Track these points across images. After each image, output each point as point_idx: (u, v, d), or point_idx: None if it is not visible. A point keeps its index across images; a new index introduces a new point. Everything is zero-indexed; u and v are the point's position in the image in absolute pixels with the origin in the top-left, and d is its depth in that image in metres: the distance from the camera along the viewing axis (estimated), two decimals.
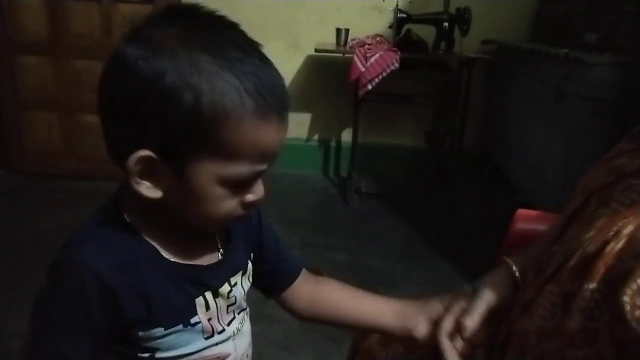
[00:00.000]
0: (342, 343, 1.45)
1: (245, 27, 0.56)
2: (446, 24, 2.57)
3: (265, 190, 0.56)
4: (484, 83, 2.91)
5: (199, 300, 0.59)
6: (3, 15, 2.70)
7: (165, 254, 0.57)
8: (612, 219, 0.59)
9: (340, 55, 2.67)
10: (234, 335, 0.65)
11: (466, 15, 2.48)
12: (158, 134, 0.49)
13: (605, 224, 0.59)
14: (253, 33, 0.57)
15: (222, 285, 0.62)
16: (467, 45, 2.60)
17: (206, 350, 0.61)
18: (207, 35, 0.50)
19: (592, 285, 0.56)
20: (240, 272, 0.66)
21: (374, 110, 2.90)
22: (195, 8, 0.52)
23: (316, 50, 2.63)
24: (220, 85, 0.48)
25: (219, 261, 0.63)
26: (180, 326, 0.58)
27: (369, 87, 2.44)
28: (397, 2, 2.59)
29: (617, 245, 0.57)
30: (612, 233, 0.58)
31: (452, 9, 2.56)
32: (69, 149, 2.86)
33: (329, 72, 2.95)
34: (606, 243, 0.57)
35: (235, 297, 0.64)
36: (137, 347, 0.57)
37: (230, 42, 0.51)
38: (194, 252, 0.60)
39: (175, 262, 0.58)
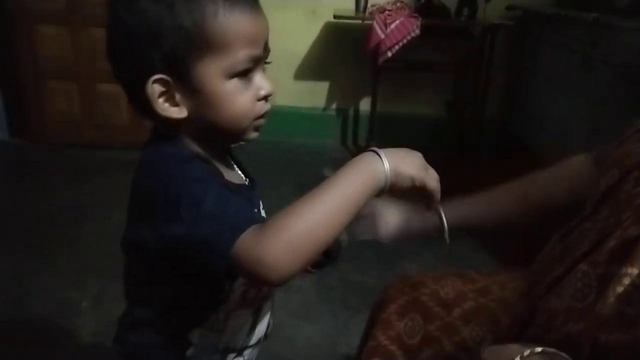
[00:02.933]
0: (359, 313, 1.46)
1: None
2: None
3: (272, 87, 0.62)
4: (508, 51, 2.82)
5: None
6: None
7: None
8: None
9: (360, 21, 2.61)
10: None
11: None
12: (158, 58, 0.57)
13: None
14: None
15: (259, 209, 0.70)
16: (491, 11, 2.52)
17: None
18: None
19: (633, 270, 0.54)
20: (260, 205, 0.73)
21: (393, 78, 2.84)
22: None
23: (335, 17, 2.57)
24: None
25: (250, 185, 0.72)
26: None
27: (389, 54, 2.39)
28: None
29: None
30: None
31: None
32: (88, 118, 2.88)
33: (348, 40, 2.89)
34: None
35: None
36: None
37: None
38: (230, 173, 0.68)
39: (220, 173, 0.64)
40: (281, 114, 2.92)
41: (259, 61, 0.61)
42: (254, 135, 0.65)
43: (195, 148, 0.63)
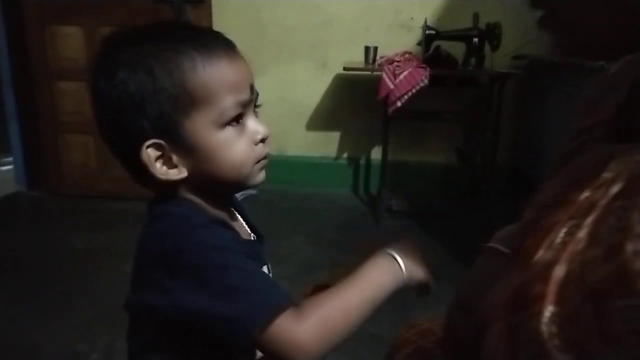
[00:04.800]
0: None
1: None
2: (476, 39, 2.54)
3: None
4: (516, 98, 2.85)
5: (265, 270, 0.67)
6: (44, 44, 2.81)
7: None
8: None
9: (369, 73, 2.67)
10: None
11: (496, 31, 2.45)
12: (147, 123, 0.56)
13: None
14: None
15: (268, 266, 0.69)
16: (498, 60, 2.56)
17: None
18: (142, 35, 0.59)
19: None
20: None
21: (403, 127, 2.88)
22: (128, 28, 0.60)
23: (345, 69, 2.63)
24: (166, 56, 0.56)
25: (257, 240, 0.71)
26: None
27: (399, 104, 2.42)
28: (426, 19, 2.59)
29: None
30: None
31: (481, 25, 2.53)
32: (104, 171, 2.93)
33: (358, 91, 2.95)
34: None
35: None
36: None
37: (162, 29, 0.60)
38: (236, 227, 0.67)
39: (236, 231, 0.64)
40: (293, 164, 2.95)
41: (248, 105, 0.61)
42: (259, 178, 0.64)
43: (206, 206, 0.62)
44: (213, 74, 0.57)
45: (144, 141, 0.57)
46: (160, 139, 0.57)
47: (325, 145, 3.11)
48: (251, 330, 0.52)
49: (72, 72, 2.83)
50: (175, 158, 0.58)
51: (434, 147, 3.04)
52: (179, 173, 0.59)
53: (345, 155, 3.15)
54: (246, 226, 0.71)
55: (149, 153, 0.57)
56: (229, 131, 0.59)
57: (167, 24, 0.63)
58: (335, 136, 3.12)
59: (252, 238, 0.70)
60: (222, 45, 0.59)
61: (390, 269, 0.63)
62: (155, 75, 0.56)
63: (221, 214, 0.65)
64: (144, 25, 0.60)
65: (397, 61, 2.53)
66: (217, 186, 0.61)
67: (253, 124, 0.61)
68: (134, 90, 0.56)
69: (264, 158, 0.63)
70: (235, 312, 0.52)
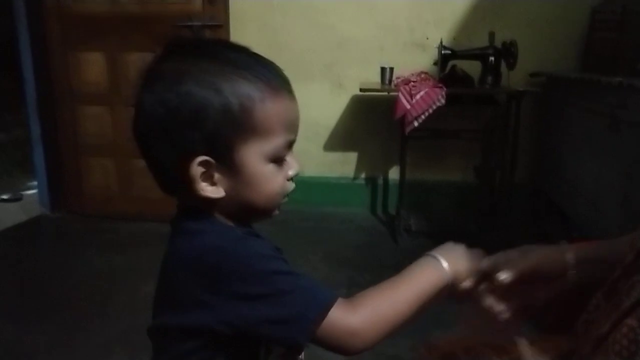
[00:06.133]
0: None
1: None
2: (492, 58, 2.54)
3: (298, 164, 0.66)
4: (534, 116, 2.84)
5: None
6: (68, 69, 2.89)
7: None
8: None
9: (386, 93, 2.68)
10: None
11: (512, 49, 2.45)
12: (200, 138, 0.57)
13: None
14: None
15: None
16: (515, 78, 2.56)
17: None
18: (207, 51, 0.61)
19: None
20: None
21: (421, 146, 2.88)
22: (192, 38, 0.61)
23: (361, 90, 2.65)
24: (236, 81, 0.58)
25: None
26: None
27: (415, 124, 2.42)
28: (441, 38, 2.60)
29: None
30: None
31: (497, 43, 2.53)
32: (124, 192, 2.97)
33: (375, 111, 2.96)
34: None
35: None
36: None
37: (226, 49, 0.62)
38: None
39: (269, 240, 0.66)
40: (311, 184, 2.96)
41: (292, 144, 0.64)
42: (277, 213, 0.67)
43: (229, 224, 0.64)
44: (277, 110, 0.60)
45: (192, 155, 0.58)
46: (209, 156, 0.58)
47: (342, 165, 3.12)
48: (307, 327, 0.56)
49: (94, 96, 2.90)
50: (217, 177, 0.60)
51: (452, 166, 3.03)
52: (217, 192, 0.60)
53: (362, 175, 3.15)
54: None
55: (198, 169, 0.58)
56: (273, 165, 0.62)
57: (231, 46, 0.64)
58: (352, 156, 3.13)
59: None
60: (285, 83, 0.62)
61: (434, 268, 0.68)
62: (223, 94, 0.57)
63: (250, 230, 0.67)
64: (206, 40, 0.64)
65: (414, 81, 2.54)
66: (245, 210, 0.63)
67: (290, 161, 0.64)
68: (198, 103, 0.57)
69: (288, 195, 0.66)
70: (290, 313, 0.55)
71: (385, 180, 3.12)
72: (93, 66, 2.87)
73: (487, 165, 2.89)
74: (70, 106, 2.93)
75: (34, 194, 3.19)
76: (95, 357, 1.68)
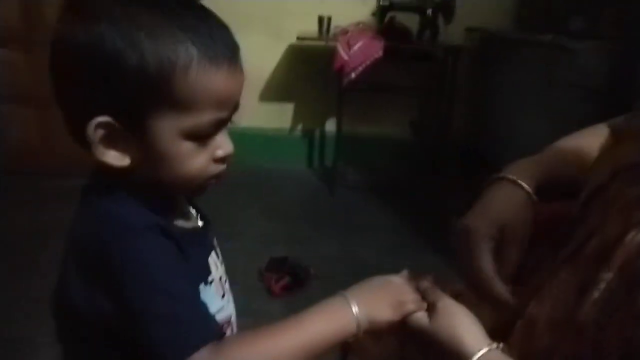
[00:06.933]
0: None
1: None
2: (430, 11, 2.54)
3: (233, 145, 0.56)
4: (470, 71, 2.89)
5: (211, 259, 0.61)
6: None
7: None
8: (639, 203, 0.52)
9: (323, 43, 2.63)
10: (229, 299, 0.65)
11: (450, 3, 2.46)
12: (109, 98, 0.49)
13: (631, 206, 0.53)
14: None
15: (217, 252, 0.64)
16: (452, 33, 2.58)
17: (221, 312, 0.61)
18: None
19: (609, 275, 0.51)
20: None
21: (358, 100, 2.86)
22: None
23: (298, 39, 2.58)
24: (162, 39, 0.49)
25: (204, 227, 0.64)
26: (202, 284, 0.58)
27: (353, 75, 2.41)
28: None
29: (638, 235, 0.50)
30: (636, 220, 0.51)
31: None
32: (46, 146, 2.78)
33: (312, 62, 2.90)
34: (627, 230, 0.51)
35: (223, 264, 0.65)
36: None
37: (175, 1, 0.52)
38: (181, 214, 0.61)
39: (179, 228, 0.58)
40: (247, 136, 2.89)
41: (224, 124, 0.54)
42: (200, 193, 0.58)
43: (144, 203, 0.54)
44: (205, 82, 0.50)
45: (96, 113, 0.49)
46: (115, 120, 0.50)
47: (279, 117, 3.07)
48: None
49: (7, 39, 2.65)
50: (122, 144, 0.51)
51: (389, 120, 3.05)
52: (120, 160, 0.51)
53: (299, 127, 3.12)
54: (193, 211, 0.65)
55: (98, 130, 0.50)
56: (191, 143, 0.52)
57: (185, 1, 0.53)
58: (289, 108, 3.08)
59: (200, 224, 0.65)
60: (227, 52, 0.52)
61: (340, 313, 0.55)
62: (142, 52, 0.48)
63: (160, 215, 0.56)
64: None
65: (351, 32, 2.51)
66: (159, 188, 0.55)
67: (219, 140, 0.54)
68: (110, 50, 0.48)
69: (217, 177, 0.57)
70: (151, 340, 0.48)
71: (322, 133, 3.11)
72: (5, 6, 2.60)
73: (423, 120, 2.94)
74: None
75: None
76: (25, 317, 1.60)
